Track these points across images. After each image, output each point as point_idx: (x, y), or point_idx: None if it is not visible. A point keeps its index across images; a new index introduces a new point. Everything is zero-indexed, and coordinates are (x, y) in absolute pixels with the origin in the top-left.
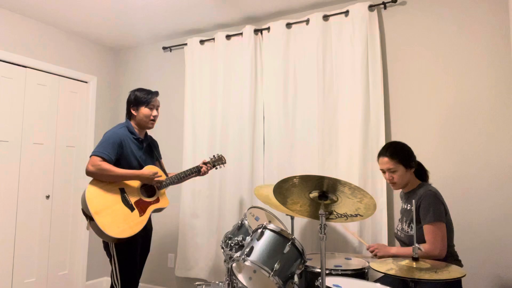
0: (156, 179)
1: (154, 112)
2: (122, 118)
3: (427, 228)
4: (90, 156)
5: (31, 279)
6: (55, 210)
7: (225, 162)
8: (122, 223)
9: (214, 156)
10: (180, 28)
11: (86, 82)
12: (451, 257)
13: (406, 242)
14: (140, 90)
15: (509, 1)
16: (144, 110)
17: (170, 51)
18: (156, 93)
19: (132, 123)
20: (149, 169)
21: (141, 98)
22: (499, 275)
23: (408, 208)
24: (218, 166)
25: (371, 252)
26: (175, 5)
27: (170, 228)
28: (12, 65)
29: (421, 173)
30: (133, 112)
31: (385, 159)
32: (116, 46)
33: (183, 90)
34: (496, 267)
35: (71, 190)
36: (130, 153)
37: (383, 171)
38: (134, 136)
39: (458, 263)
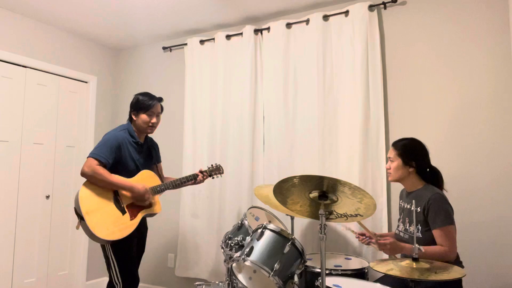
0: (146, 200)
1: (153, 119)
2: (122, 118)
3: (440, 231)
4: (87, 158)
5: (31, 279)
6: (55, 210)
7: (222, 173)
8: (112, 225)
9: (212, 165)
10: (180, 28)
11: (86, 82)
12: (455, 260)
13: (410, 243)
14: (143, 94)
15: (509, 1)
16: (143, 116)
17: (170, 51)
18: (158, 99)
19: (133, 126)
20: (142, 185)
21: (142, 104)
22: (500, 275)
23: (413, 208)
24: (215, 176)
25: (381, 245)
26: (175, 5)
27: (170, 228)
28: (12, 65)
29: (434, 178)
30: (133, 116)
31: (391, 148)
32: (116, 46)
33: (183, 90)
34: (497, 267)
35: (71, 190)
36: (128, 157)
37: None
38: (134, 140)
39: (460, 264)
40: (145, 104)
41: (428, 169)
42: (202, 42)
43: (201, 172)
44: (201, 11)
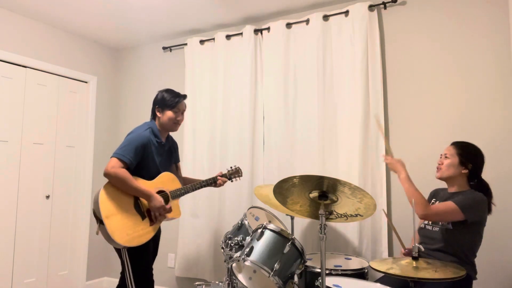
0: (160, 216)
1: (179, 117)
2: (122, 118)
3: (450, 204)
4: (111, 157)
5: (31, 279)
6: (55, 210)
7: (241, 175)
8: (132, 230)
9: (231, 167)
10: (180, 28)
11: (86, 82)
12: (470, 267)
13: (437, 236)
14: (168, 91)
15: (509, 1)
16: (169, 113)
17: (170, 51)
18: (183, 97)
19: (157, 123)
20: (160, 200)
21: (168, 101)
22: (508, 276)
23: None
24: (234, 179)
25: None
26: (175, 5)
27: (170, 228)
28: (12, 65)
29: (481, 190)
30: (157, 113)
31: (451, 146)
32: (116, 46)
33: (183, 90)
34: (504, 268)
35: (71, 190)
36: (150, 158)
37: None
38: (158, 140)
39: (474, 274)
40: (171, 101)
41: (476, 180)
42: (202, 42)
43: (220, 176)
44: (201, 11)
